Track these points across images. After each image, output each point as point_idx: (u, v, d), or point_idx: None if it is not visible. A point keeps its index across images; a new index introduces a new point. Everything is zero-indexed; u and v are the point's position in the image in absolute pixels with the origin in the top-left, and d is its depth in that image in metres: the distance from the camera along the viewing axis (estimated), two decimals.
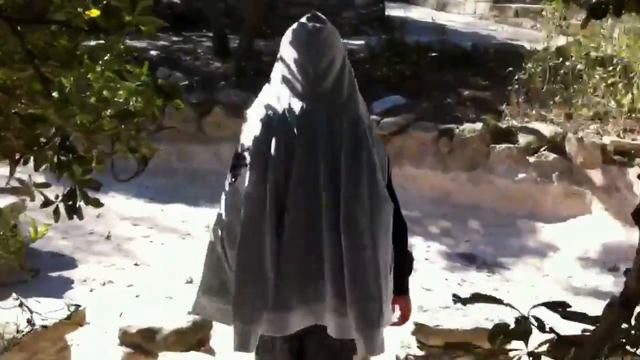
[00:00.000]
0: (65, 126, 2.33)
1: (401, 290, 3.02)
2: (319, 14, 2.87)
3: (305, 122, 2.73)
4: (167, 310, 4.98)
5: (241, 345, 2.77)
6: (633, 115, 7.49)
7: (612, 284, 6.26)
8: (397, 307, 3.03)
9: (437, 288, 6.22)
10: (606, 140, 7.04)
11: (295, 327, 2.80)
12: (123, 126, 2.35)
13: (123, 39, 2.26)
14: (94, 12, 2.23)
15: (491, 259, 6.92)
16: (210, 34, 11.04)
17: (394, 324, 3.06)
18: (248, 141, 2.74)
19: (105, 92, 2.45)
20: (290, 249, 2.72)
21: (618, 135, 7.16)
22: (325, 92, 2.79)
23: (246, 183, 2.70)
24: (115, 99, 2.44)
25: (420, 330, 4.46)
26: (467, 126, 7.79)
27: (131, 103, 2.43)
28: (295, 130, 2.72)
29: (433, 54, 9.42)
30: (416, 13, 11.49)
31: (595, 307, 5.39)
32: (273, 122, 2.74)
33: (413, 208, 7.78)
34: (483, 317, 4.47)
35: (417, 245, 7.13)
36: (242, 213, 2.71)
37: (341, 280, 2.69)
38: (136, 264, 6.54)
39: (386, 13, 13.22)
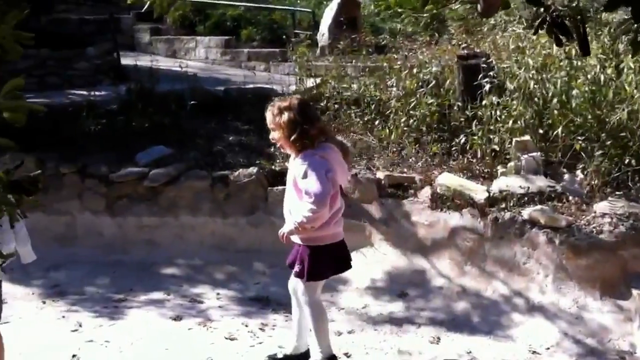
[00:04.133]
0: None
1: None
2: None
3: None
4: None
5: None
6: (393, 149, 7.95)
7: (403, 309, 6.59)
8: None
9: (241, 336, 6.15)
10: (380, 175, 7.38)
11: None
12: None
13: None
14: None
15: (284, 299, 6.91)
16: None
17: None
18: None
19: None
20: None
21: (386, 169, 7.55)
22: None
23: None
24: None
25: None
26: (241, 171, 7.81)
27: None
28: None
29: (192, 102, 9.31)
30: (147, 61, 11.30)
31: (394, 336, 5.62)
32: None
33: (194, 256, 7.68)
34: None
35: (207, 293, 7.02)
36: None
37: None
38: None
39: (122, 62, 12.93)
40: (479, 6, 3.01)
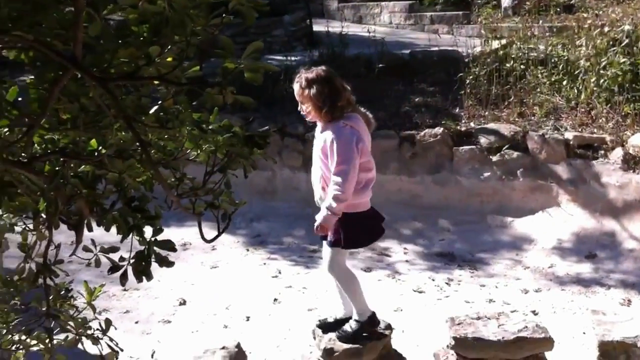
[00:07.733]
0: (134, 185, 2.11)
1: None
2: None
3: None
4: None
5: None
6: (582, 109, 7.61)
7: (591, 270, 6.35)
8: None
9: (428, 290, 6.16)
10: (568, 135, 7.10)
11: None
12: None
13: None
14: (195, 69, 2.00)
15: (469, 256, 6.90)
16: None
17: None
18: None
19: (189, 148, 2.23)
20: None
21: (575, 130, 7.25)
22: None
23: None
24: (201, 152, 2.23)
25: (461, 344, 4.32)
26: (427, 131, 7.77)
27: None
28: None
29: (380, 65, 9.31)
30: (336, 27, 11.39)
31: (582, 296, 5.33)
32: None
33: (381, 212, 7.71)
34: (520, 326, 4.33)
35: (394, 247, 7.07)
36: None
37: None
38: None
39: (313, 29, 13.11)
40: None
